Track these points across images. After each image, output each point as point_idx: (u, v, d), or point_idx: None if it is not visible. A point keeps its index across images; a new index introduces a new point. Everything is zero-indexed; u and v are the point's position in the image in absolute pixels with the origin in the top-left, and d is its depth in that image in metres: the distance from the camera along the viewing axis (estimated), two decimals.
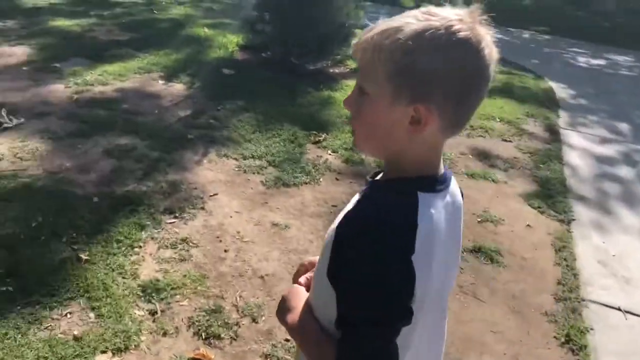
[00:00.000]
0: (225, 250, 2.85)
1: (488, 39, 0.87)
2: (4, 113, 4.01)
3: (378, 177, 1.01)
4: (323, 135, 4.33)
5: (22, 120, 4.03)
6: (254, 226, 3.09)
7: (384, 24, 0.88)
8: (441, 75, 0.85)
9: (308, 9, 5.47)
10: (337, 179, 3.74)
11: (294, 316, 1.03)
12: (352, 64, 5.99)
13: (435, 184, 0.96)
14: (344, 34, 5.80)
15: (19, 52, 5.42)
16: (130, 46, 6.03)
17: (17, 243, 2.66)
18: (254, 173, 3.66)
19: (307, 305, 1.03)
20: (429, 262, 0.90)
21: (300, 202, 3.39)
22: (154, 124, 4.21)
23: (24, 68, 5.05)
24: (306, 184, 3.61)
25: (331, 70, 6.01)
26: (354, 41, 1.03)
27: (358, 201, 0.96)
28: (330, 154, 4.07)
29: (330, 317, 0.93)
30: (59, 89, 4.70)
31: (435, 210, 0.93)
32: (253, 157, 3.85)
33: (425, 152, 0.94)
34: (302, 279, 1.13)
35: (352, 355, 0.88)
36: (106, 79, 5.02)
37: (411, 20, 0.86)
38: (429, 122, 0.88)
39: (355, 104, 0.94)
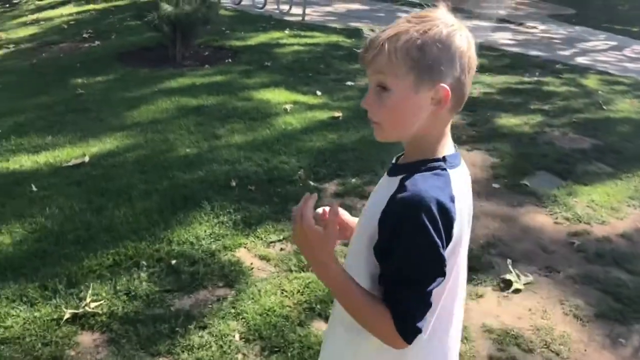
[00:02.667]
0: None
1: (467, 30, 1.13)
2: (510, 266, 3.20)
3: (400, 161, 1.22)
4: None
5: (530, 277, 3.15)
6: None
7: (386, 33, 1.10)
8: (447, 60, 1.10)
9: None
10: None
11: (331, 272, 1.14)
12: None
13: (455, 160, 1.17)
14: None
15: (479, 160, 4.75)
16: (600, 159, 4.88)
17: None
18: None
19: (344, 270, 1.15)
20: (463, 223, 1.15)
21: None
22: None
23: (495, 185, 4.32)
24: None
25: None
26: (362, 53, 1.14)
27: (402, 185, 1.11)
28: None
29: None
30: (546, 223, 3.78)
31: (460, 183, 1.15)
32: None
33: (443, 132, 1.17)
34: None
35: (410, 307, 1.08)
36: (599, 214, 3.92)
37: (410, 25, 1.10)
38: (446, 100, 1.11)
39: (376, 101, 1.14)
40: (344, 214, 1.34)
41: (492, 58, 8.21)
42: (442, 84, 1.10)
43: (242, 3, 11.50)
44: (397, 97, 1.11)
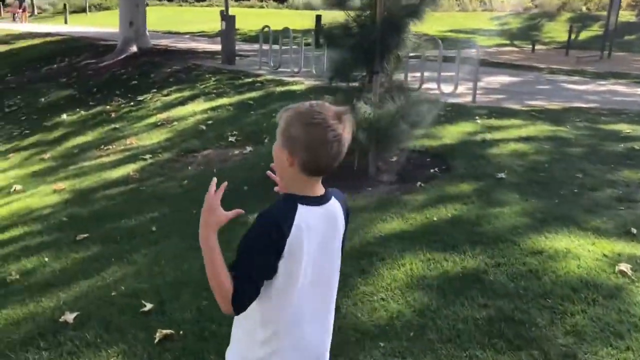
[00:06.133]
0: None
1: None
2: None
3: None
4: None
5: None
6: None
7: (288, 109, 1.65)
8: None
9: None
10: None
11: (209, 240, 1.58)
12: None
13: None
14: None
15: None
16: None
17: None
18: None
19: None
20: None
21: None
22: None
23: None
24: None
25: None
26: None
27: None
28: None
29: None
30: None
31: (308, 214, 1.58)
32: None
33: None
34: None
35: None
36: None
37: (301, 109, 1.60)
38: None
39: None
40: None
41: None
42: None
43: None
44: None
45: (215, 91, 10.39)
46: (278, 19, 19.09)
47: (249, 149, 6.97)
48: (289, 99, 9.34)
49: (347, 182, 5.33)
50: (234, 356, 1.71)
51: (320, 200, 1.63)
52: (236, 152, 6.97)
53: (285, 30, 12.30)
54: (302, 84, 10.60)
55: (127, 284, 3.67)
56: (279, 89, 10.13)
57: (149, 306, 3.34)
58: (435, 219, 4.29)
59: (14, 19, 31.61)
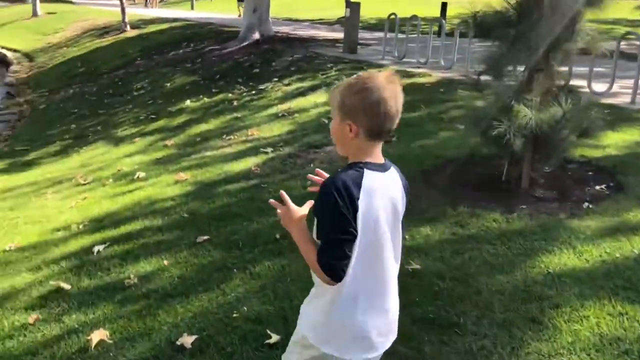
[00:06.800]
0: None
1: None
2: None
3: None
4: None
5: None
6: None
7: (338, 85, 1.78)
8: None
9: None
10: None
11: (294, 231, 1.72)
12: None
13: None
14: None
15: None
16: None
17: None
18: None
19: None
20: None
21: None
22: None
23: None
24: None
25: None
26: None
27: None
28: None
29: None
30: None
31: (374, 177, 1.66)
32: None
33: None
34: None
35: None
36: None
37: (352, 81, 1.71)
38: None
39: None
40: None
41: None
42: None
43: None
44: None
45: (337, 82, 9.89)
46: (401, 6, 18.29)
47: None
48: (417, 92, 8.65)
49: (495, 194, 4.60)
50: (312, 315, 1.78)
51: (383, 167, 1.70)
52: None
53: (413, 17, 11.54)
54: (430, 75, 9.84)
55: (250, 305, 3.24)
56: (405, 81, 9.44)
57: (274, 338, 2.87)
58: (617, 255, 3.47)
59: (145, 5, 33.36)
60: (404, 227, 1.77)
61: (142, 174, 6.57)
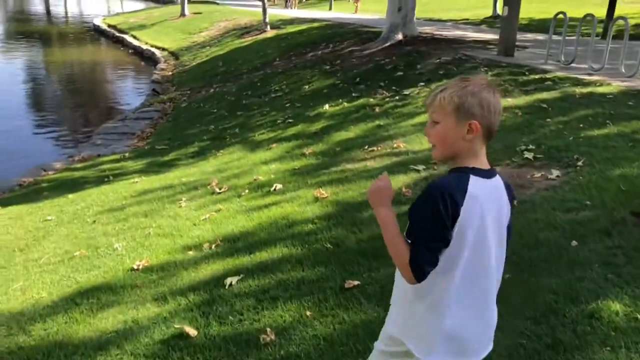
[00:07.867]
0: None
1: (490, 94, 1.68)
2: None
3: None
4: None
5: None
6: None
7: (444, 90, 1.71)
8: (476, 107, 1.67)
9: None
10: None
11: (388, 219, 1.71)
12: None
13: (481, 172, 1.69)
14: None
15: None
16: None
17: None
18: None
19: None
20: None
21: None
22: None
23: None
24: None
25: None
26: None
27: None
28: None
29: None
30: None
31: (480, 184, 1.65)
32: None
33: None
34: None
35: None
36: None
37: (461, 84, 1.69)
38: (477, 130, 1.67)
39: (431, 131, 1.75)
40: None
41: None
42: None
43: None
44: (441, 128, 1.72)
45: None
46: (562, 5, 16.41)
47: (555, 173, 5.24)
48: (597, 104, 7.29)
49: None
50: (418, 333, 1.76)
51: (488, 174, 1.70)
52: (537, 175, 5.29)
53: (589, 16, 9.99)
54: (609, 84, 8.34)
55: None
56: (579, 90, 8.05)
57: None
58: None
59: (285, 5, 33.86)
60: (510, 235, 1.77)
61: (279, 186, 5.99)
